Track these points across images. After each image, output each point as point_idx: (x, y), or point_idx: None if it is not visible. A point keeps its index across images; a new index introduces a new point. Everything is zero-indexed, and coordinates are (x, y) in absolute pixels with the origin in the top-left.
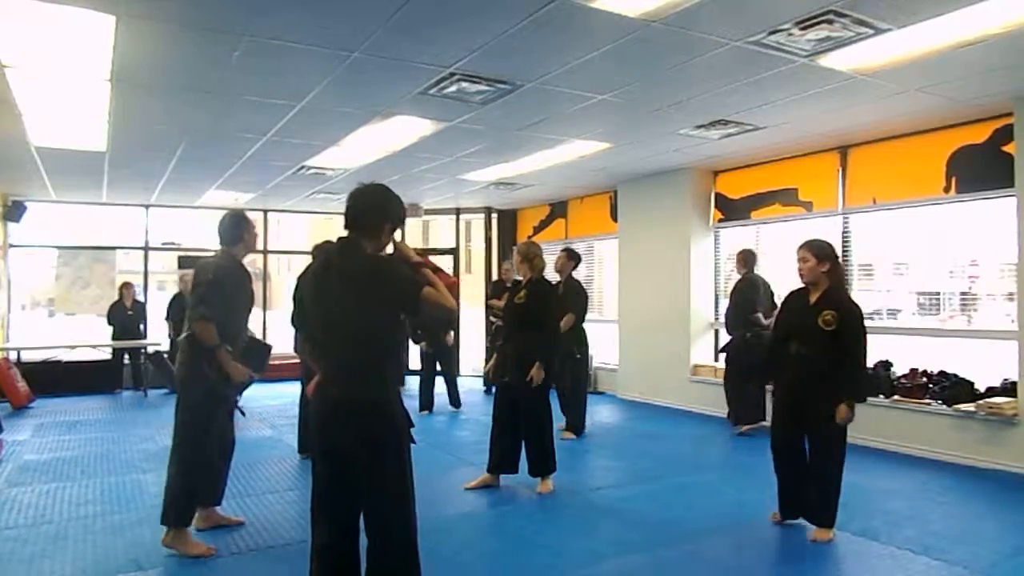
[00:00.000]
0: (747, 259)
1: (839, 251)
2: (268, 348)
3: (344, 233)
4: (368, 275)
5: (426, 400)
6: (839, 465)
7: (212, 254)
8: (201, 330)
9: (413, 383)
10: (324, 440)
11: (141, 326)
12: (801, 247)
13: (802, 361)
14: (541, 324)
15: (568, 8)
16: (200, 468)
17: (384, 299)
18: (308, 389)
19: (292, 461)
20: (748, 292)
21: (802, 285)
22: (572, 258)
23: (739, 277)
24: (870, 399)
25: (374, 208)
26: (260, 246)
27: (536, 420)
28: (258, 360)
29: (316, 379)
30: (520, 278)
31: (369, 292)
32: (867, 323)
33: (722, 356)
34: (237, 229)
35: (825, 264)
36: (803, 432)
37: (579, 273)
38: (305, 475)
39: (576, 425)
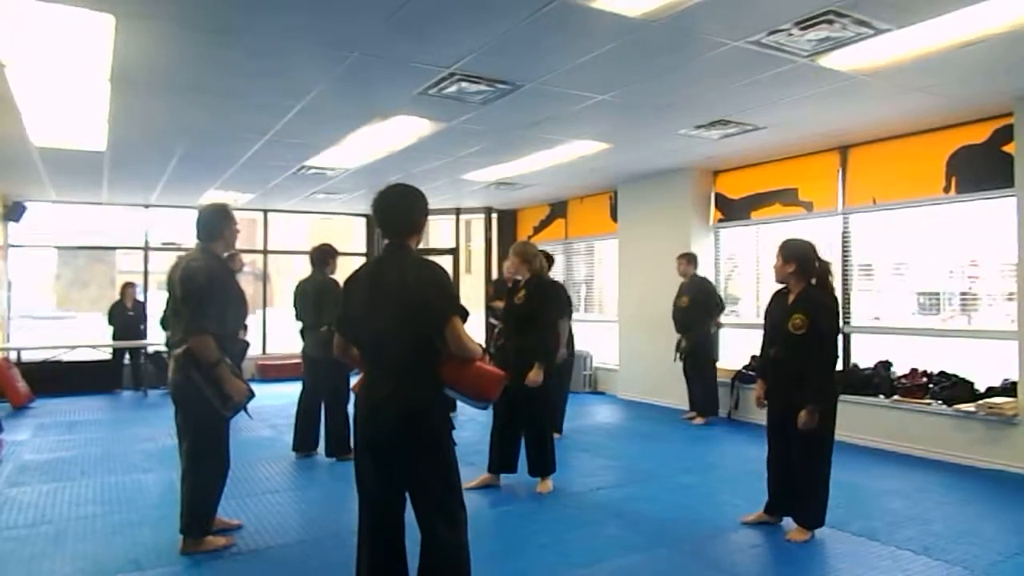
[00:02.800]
0: (693, 259)
1: (839, 251)
2: (246, 345)
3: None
4: (415, 276)
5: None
6: (822, 467)
7: (187, 253)
8: (201, 345)
9: None
10: (366, 435)
11: (142, 326)
12: (780, 245)
13: (778, 365)
14: (541, 324)
15: (568, 8)
16: (220, 478)
17: (426, 299)
18: (354, 386)
19: (291, 461)
20: (704, 291)
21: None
22: (547, 259)
23: (688, 278)
24: (870, 399)
25: (405, 208)
26: (260, 246)
27: (536, 420)
28: (238, 359)
29: (360, 378)
30: (520, 278)
31: (417, 290)
32: (868, 323)
33: (710, 355)
34: (217, 223)
35: (790, 265)
36: (788, 435)
37: (580, 273)
38: (303, 475)
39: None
